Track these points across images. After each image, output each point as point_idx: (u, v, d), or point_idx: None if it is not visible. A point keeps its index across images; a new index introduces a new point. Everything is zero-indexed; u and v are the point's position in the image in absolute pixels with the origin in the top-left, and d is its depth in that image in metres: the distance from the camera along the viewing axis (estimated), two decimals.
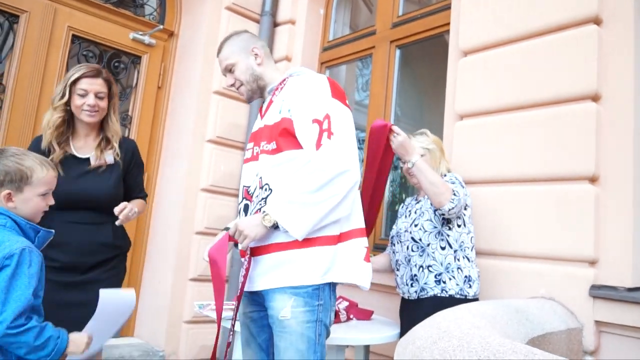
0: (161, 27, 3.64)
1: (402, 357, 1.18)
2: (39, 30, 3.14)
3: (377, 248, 2.97)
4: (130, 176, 2.11)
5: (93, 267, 1.95)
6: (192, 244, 3.41)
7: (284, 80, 1.71)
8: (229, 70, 1.75)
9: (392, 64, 3.20)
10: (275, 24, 3.79)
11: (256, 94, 1.77)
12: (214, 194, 3.51)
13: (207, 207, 3.48)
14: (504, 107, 2.34)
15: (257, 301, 1.61)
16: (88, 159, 1.98)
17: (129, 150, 2.10)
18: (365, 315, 2.34)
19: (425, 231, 2.04)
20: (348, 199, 1.50)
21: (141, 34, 3.57)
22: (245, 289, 1.56)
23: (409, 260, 2.07)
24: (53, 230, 1.55)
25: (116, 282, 2.03)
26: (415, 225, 2.08)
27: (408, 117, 3.70)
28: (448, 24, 2.79)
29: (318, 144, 1.49)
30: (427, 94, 3.93)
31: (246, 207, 1.65)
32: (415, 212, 2.14)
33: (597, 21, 2.09)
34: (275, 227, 1.48)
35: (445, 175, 2.08)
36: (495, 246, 2.25)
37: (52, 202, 1.55)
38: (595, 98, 2.06)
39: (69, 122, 1.97)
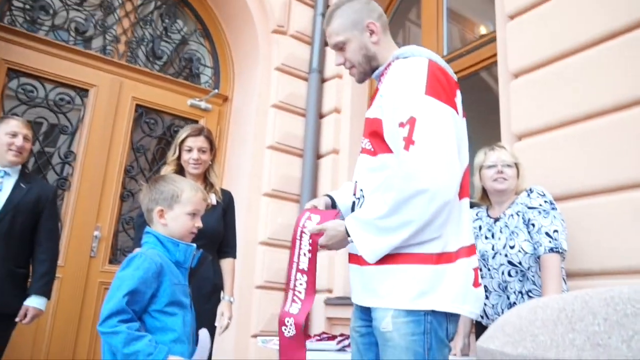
0: (217, 91, 3.87)
1: (495, 335, 1.00)
2: (106, 102, 3.41)
3: None
4: (228, 215, 2.41)
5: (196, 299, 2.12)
6: (256, 254, 3.42)
7: (390, 63, 1.47)
8: (338, 47, 1.52)
9: None
10: (323, 80, 3.92)
11: (368, 75, 1.55)
12: (272, 247, 3.48)
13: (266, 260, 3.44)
14: (563, 121, 2.23)
15: (365, 314, 1.43)
16: None
17: (227, 195, 2.45)
18: None
19: (526, 253, 1.85)
20: (435, 222, 1.25)
21: (198, 100, 3.80)
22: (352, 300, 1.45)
23: (506, 288, 1.89)
24: (194, 245, 1.57)
25: (212, 319, 2.20)
26: (512, 247, 1.88)
27: None
28: (494, 55, 2.77)
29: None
30: (477, 124, 3.83)
31: (353, 205, 1.51)
32: (502, 232, 1.94)
33: None
34: None
35: (531, 191, 1.93)
36: (570, 265, 2.02)
37: (200, 224, 1.58)
38: None
39: (179, 173, 2.29)
